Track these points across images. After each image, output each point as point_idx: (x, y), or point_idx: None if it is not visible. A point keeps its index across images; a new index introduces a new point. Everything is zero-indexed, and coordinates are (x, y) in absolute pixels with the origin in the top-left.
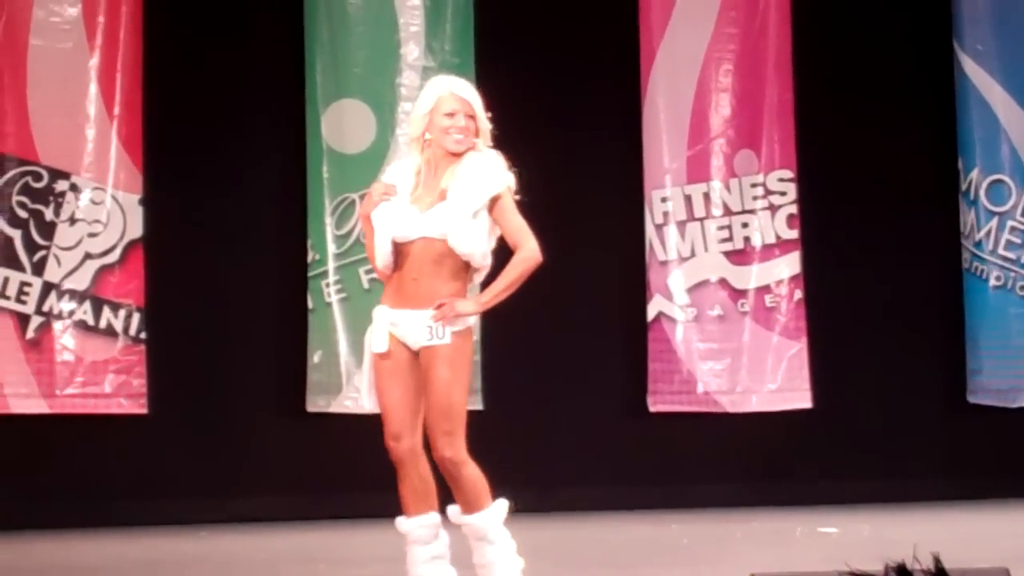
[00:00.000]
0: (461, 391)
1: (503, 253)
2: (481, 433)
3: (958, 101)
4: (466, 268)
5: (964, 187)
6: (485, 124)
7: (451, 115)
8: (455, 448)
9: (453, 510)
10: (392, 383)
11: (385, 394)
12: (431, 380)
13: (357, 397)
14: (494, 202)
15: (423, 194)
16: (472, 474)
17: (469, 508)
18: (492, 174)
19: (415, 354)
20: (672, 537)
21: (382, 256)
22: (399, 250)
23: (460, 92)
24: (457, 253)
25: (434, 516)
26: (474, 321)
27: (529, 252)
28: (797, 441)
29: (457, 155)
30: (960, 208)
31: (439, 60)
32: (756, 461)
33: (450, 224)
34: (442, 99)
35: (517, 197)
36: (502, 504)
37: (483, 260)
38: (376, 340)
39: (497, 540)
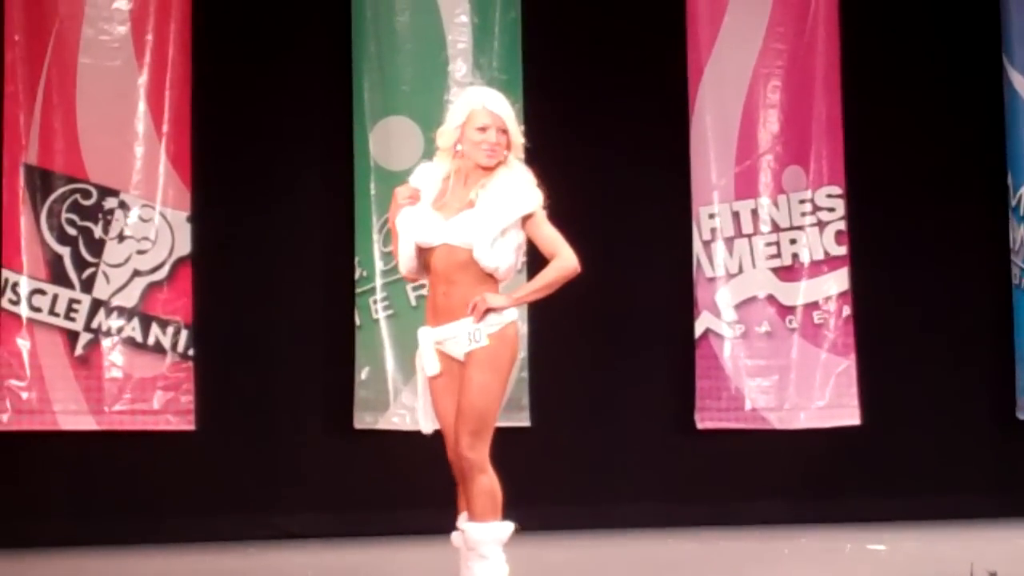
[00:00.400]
0: (493, 396)
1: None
2: (528, 449)
3: (1007, 116)
4: (491, 276)
5: (1014, 203)
6: (518, 138)
7: (483, 129)
8: (477, 451)
9: (463, 516)
10: (447, 400)
11: (442, 412)
12: (466, 381)
13: (405, 414)
14: (526, 219)
15: (450, 201)
16: (486, 484)
17: (472, 516)
18: (523, 191)
19: (464, 365)
20: (720, 554)
21: (405, 260)
22: (424, 258)
23: (493, 106)
24: (480, 265)
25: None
26: (517, 333)
27: (567, 260)
28: (845, 458)
29: (488, 169)
30: (1010, 224)
31: (487, 77)
32: (804, 478)
33: (476, 235)
34: (475, 113)
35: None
36: (506, 526)
37: (507, 275)
38: (428, 363)
39: (489, 557)
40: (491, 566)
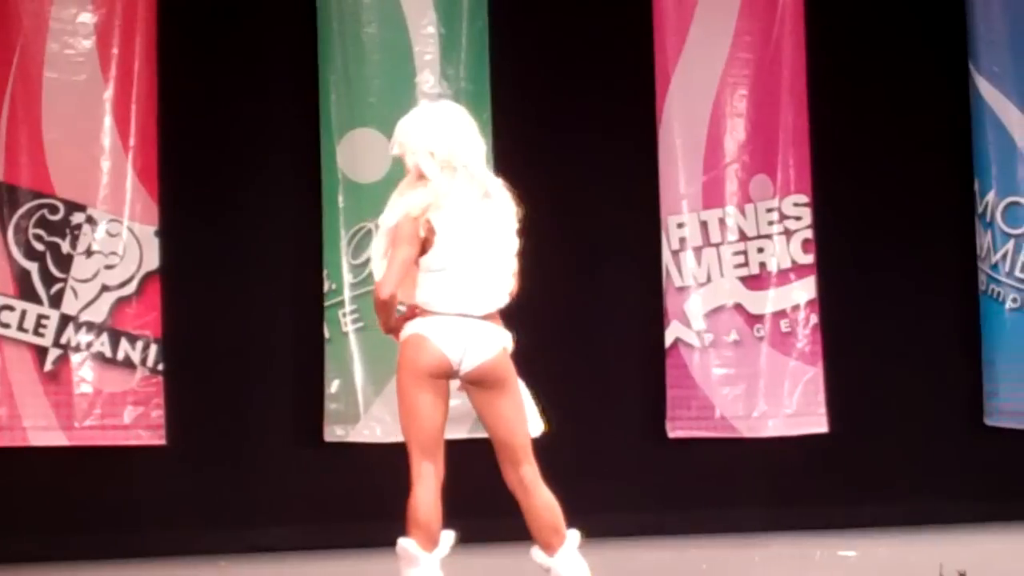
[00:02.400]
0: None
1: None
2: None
3: (974, 123)
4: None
5: (980, 209)
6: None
7: None
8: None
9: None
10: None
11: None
12: None
13: (375, 427)
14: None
15: None
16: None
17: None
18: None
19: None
20: (691, 562)
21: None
22: None
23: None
24: None
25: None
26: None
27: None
28: (814, 465)
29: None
30: (976, 230)
31: (454, 88)
32: (774, 485)
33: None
34: None
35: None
36: (446, 535)
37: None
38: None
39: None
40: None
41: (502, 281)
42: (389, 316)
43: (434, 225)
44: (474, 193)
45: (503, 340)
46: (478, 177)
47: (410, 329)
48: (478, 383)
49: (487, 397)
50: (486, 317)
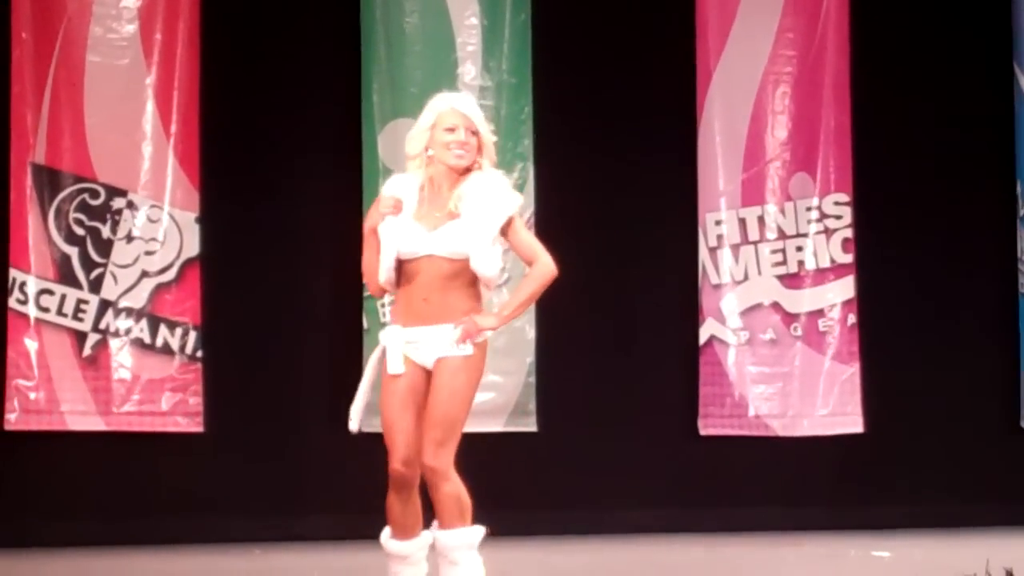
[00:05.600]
0: (464, 405)
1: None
2: (534, 455)
3: (1016, 124)
4: (475, 283)
5: (1022, 211)
6: (489, 138)
7: (452, 130)
8: (441, 460)
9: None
10: (405, 406)
11: (397, 417)
12: (439, 388)
13: None
14: (506, 224)
15: (428, 211)
16: (451, 491)
17: (442, 523)
18: (502, 195)
19: (427, 374)
20: (723, 560)
21: (385, 271)
22: (402, 267)
23: (461, 107)
24: (479, 274)
25: (427, 536)
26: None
27: (545, 266)
28: (849, 465)
29: (460, 172)
30: (1017, 232)
31: (496, 80)
32: (807, 485)
33: (471, 246)
34: (443, 115)
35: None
36: (476, 530)
37: (500, 279)
38: (392, 361)
39: (461, 563)
40: (463, 571)
41: None
42: None
43: None
44: None
45: None
46: None
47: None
48: None
49: None
50: None
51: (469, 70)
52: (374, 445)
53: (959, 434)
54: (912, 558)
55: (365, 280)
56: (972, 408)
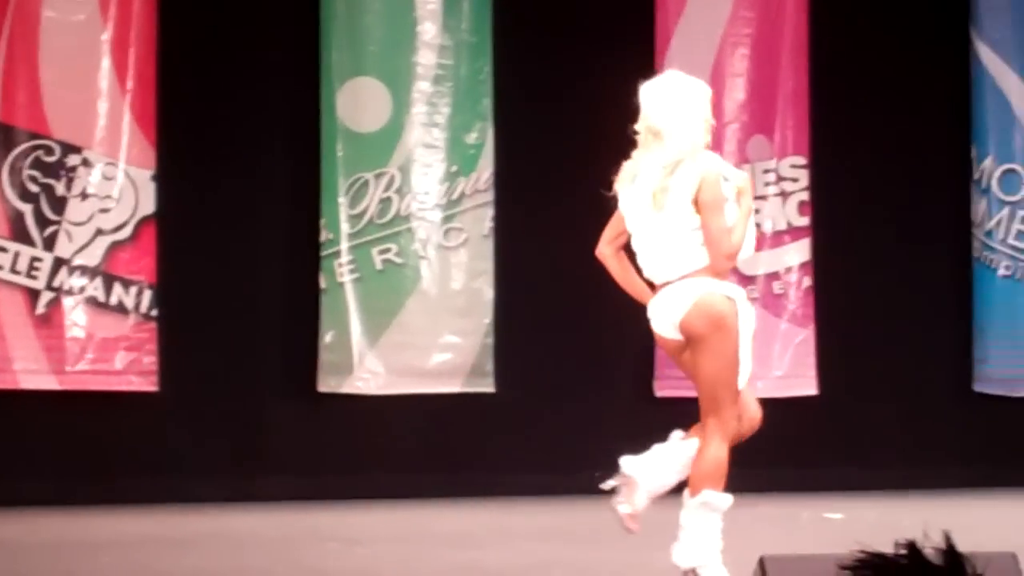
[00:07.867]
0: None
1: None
2: (491, 416)
3: (973, 89)
4: None
5: (976, 176)
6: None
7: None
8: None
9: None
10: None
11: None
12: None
13: (369, 378)
14: None
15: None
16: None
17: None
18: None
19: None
20: (675, 521)
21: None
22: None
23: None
24: None
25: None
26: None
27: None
28: (803, 428)
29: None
30: (972, 197)
31: (456, 39)
32: (762, 446)
33: None
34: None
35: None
36: (712, 497)
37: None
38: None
39: (687, 526)
40: (700, 533)
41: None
42: None
43: None
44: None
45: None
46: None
47: (723, 289)
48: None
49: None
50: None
51: (428, 28)
52: (331, 407)
53: (912, 397)
54: (865, 519)
55: (735, 251)
56: (925, 372)
